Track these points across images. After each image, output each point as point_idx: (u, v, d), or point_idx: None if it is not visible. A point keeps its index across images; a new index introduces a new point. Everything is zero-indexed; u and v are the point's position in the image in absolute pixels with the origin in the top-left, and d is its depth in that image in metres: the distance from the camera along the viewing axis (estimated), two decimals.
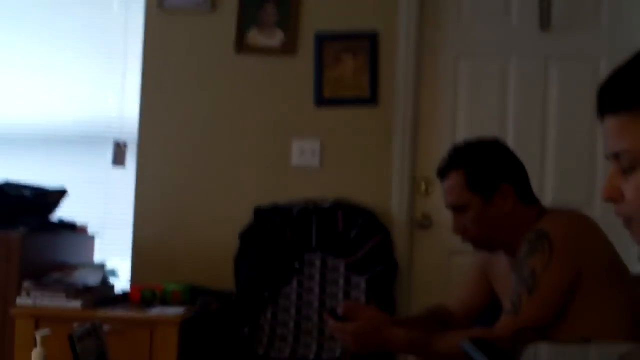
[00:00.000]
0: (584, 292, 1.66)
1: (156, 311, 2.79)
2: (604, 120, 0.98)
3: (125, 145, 3.41)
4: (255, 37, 3.29)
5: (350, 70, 3.21)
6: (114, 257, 3.34)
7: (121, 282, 3.22)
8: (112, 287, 3.06)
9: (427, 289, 3.06)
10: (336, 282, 2.99)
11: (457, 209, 1.84)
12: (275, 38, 3.28)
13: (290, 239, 3.05)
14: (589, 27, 3.11)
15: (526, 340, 1.49)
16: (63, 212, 3.15)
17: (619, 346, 1.41)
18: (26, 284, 2.79)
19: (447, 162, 1.86)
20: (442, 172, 1.87)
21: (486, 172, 1.82)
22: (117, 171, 3.41)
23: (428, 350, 1.70)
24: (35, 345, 1.49)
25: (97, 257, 3.31)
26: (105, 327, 2.58)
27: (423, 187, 3.15)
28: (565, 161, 3.12)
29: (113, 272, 3.10)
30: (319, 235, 3.03)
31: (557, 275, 1.65)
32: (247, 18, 3.29)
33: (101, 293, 2.93)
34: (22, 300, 2.77)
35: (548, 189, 3.09)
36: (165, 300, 2.90)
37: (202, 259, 3.22)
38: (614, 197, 1.00)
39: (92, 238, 3.31)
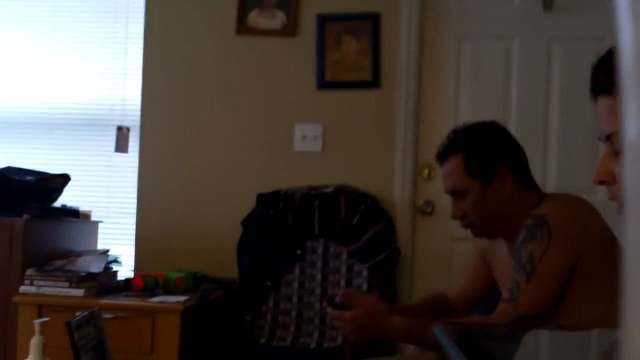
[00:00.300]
0: (583, 279, 1.63)
1: (159, 299, 2.78)
2: (597, 102, 0.95)
3: (128, 131, 3.39)
4: (256, 18, 3.25)
5: (352, 52, 3.17)
6: (118, 244, 3.33)
7: (124, 270, 3.21)
8: (115, 274, 3.06)
9: (429, 275, 3.03)
10: (338, 270, 2.96)
11: (456, 193, 1.81)
12: (276, 20, 3.24)
13: (292, 226, 3.03)
14: (592, 7, 3.05)
15: (524, 328, 1.46)
16: (66, 198, 3.15)
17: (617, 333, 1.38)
18: (29, 271, 2.79)
19: (446, 146, 1.83)
20: (442, 157, 1.84)
21: (485, 156, 1.78)
22: (120, 157, 3.39)
23: (424, 338, 1.68)
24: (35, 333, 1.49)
25: (101, 244, 3.31)
26: (108, 315, 2.62)
27: (425, 172, 3.11)
28: (569, 144, 3.06)
29: (116, 260, 3.09)
30: (322, 222, 3.00)
31: (555, 261, 1.62)
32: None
33: (104, 281, 2.93)
34: (26, 288, 2.77)
35: (551, 173, 3.04)
36: (168, 288, 2.90)
37: (205, 246, 3.21)
38: (607, 179, 0.97)
39: (95, 225, 3.30)
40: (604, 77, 0.92)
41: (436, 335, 0.97)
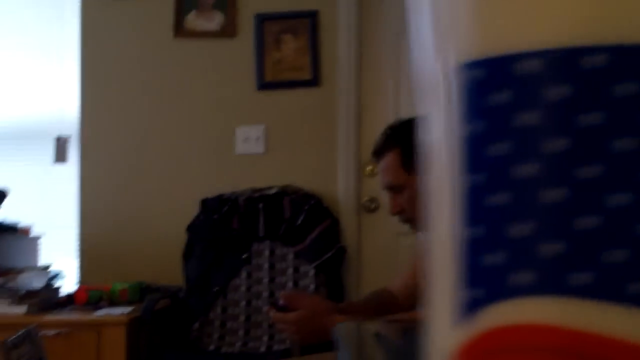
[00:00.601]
0: None
1: (103, 312, 2.72)
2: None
3: (67, 141, 3.31)
4: (194, 20, 3.20)
5: (292, 51, 3.13)
6: (60, 257, 3.24)
7: (69, 284, 3.13)
8: (57, 290, 2.98)
9: (376, 271, 3.02)
10: (285, 272, 2.93)
11: (394, 189, 1.80)
12: (215, 21, 3.19)
13: (237, 229, 2.99)
14: None
15: None
16: (4, 213, 3.05)
17: None
18: None
19: (381, 142, 1.81)
20: (378, 153, 1.82)
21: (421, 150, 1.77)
22: (60, 168, 3.31)
23: None
24: None
25: (43, 259, 3.22)
26: (52, 331, 2.55)
27: (368, 170, 3.09)
28: None
29: (59, 274, 3.01)
30: (267, 224, 2.97)
31: None
32: (185, 1, 3.19)
33: (47, 296, 2.84)
34: None
35: None
36: (113, 300, 2.83)
37: (151, 255, 3.14)
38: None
39: (36, 239, 3.22)
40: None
41: (334, 334, 0.97)
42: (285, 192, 2.99)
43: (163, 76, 3.21)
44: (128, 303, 2.83)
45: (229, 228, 2.99)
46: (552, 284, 0.22)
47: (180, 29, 3.19)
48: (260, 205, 2.97)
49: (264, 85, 3.14)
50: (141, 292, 2.93)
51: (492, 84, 0.22)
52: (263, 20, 3.14)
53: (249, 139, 3.14)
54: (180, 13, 3.19)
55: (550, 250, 0.21)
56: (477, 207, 0.22)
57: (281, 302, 1.77)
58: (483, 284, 0.23)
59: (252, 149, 3.14)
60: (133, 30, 3.24)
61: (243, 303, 2.90)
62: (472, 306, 0.23)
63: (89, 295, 2.80)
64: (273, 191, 3.00)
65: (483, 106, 0.22)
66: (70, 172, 3.28)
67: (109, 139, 3.22)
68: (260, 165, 3.14)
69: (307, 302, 1.78)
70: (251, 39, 3.16)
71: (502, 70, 0.21)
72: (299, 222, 2.94)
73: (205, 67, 3.20)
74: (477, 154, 0.22)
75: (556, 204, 0.21)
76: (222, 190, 3.07)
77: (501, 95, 0.21)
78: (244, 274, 2.94)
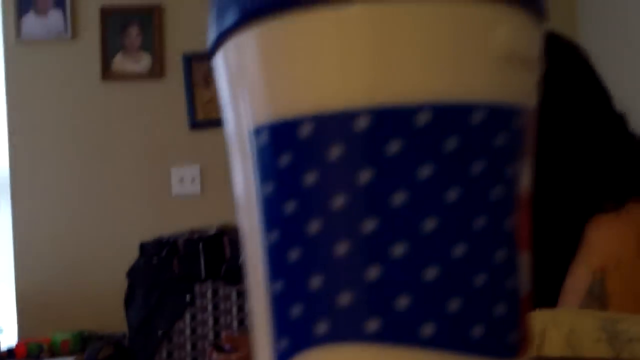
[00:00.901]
0: None
1: None
2: None
3: None
4: (121, 62, 3.18)
5: None
6: None
7: (8, 338, 3.04)
8: None
9: None
10: (230, 311, 2.91)
11: None
12: (142, 62, 3.18)
13: (179, 272, 2.96)
14: None
15: None
16: None
17: None
18: None
19: None
20: None
21: None
22: None
23: None
24: None
25: None
26: None
27: None
28: None
29: None
30: (208, 265, 2.95)
31: None
32: (111, 44, 3.18)
33: None
34: None
35: None
36: (54, 352, 2.77)
37: (92, 303, 3.08)
38: None
39: None
40: None
41: None
42: (224, 232, 2.98)
43: (93, 120, 3.18)
44: (70, 354, 2.77)
45: (169, 271, 2.96)
46: (347, 331, 0.23)
47: (107, 72, 3.18)
48: (200, 246, 2.95)
49: (196, 124, 3.14)
50: (83, 342, 2.87)
51: (278, 147, 0.23)
52: (191, 60, 3.16)
53: (184, 179, 3.13)
54: (107, 56, 3.18)
55: (344, 299, 0.23)
56: (277, 263, 0.24)
57: (223, 343, 1.75)
58: (288, 335, 0.24)
59: (189, 189, 3.13)
60: (58, 74, 3.21)
61: (188, 346, 2.87)
62: (282, 357, 0.24)
63: (29, 349, 2.74)
64: (212, 231, 2.99)
65: (272, 168, 0.23)
66: (1, 224, 3.20)
67: (41, 188, 3.16)
68: (198, 206, 3.12)
69: (249, 342, 1.79)
70: (180, 79, 3.17)
71: (287, 134, 0.23)
72: (240, 260, 2.93)
73: (136, 109, 3.18)
74: (271, 214, 0.24)
75: (344, 257, 0.23)
76: (161, 233, 3.04)
77: (287, 158, 0.23)
78: (187, 317, 2.91)
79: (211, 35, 0.26)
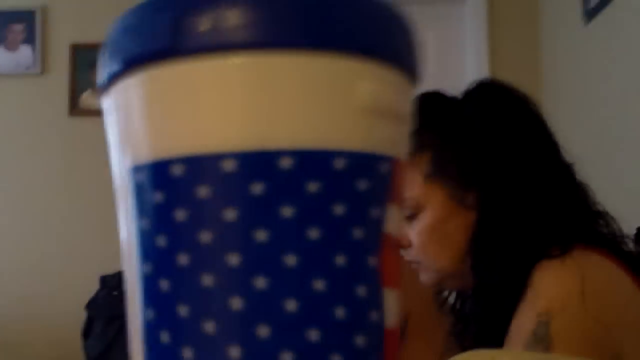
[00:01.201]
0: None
1: None
2: None
3: None
4: (89, 98, 3.19)
5: None
6: None
7: None
8: None
9: None
10: None
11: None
12: None
13: None
14: None
15: None
16: None
17: None
18: None
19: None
20: None
21: None
22: None
23: None
24: None
25: None
26: None
27: None
28: None
29: None
30: None
31: None
32: (80, 79, 3.19)
33: None
34: None
35: None
36: None
37: (51, 337, 3.04)
38: (404, 244, 1.01)
39: None
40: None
41: None
42: None
43: (58, 154, 3.17)
44: None
45: None
46: (210, 358, 0.25)
47: (75, 108, 3.18)
48: None
49: None
50: None
51: (153, 185, 0.25)
52: None
53: None
54: (75, 91, 3.19)
55: (208, 328, 0.25)
56: (149, 292, 0.25)
57: None
58: None
59: None
60: (26, 109, 3.20)
61: None
62: None
63: None
64: None
65: (148, 205, 0.25)
66: None
67: (4, 219, 3.14)
68: None
69: None
70: None
71: (161, 173, 0.25)
72: None
73: (102, 144, 3.17)
74: (146, 246, 0.25)
75: (210, 289, 0.25)
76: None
77: (160, 195, 0.25)
78: None
79: (101, 78, 0.28)
